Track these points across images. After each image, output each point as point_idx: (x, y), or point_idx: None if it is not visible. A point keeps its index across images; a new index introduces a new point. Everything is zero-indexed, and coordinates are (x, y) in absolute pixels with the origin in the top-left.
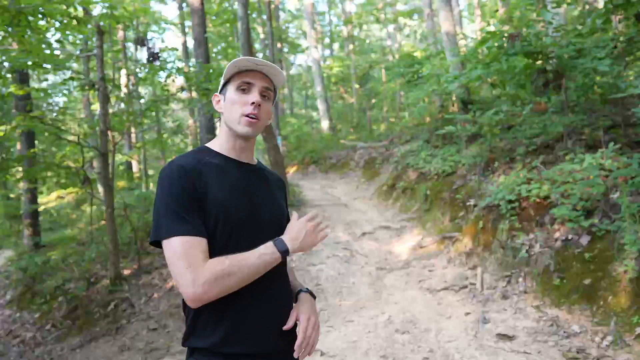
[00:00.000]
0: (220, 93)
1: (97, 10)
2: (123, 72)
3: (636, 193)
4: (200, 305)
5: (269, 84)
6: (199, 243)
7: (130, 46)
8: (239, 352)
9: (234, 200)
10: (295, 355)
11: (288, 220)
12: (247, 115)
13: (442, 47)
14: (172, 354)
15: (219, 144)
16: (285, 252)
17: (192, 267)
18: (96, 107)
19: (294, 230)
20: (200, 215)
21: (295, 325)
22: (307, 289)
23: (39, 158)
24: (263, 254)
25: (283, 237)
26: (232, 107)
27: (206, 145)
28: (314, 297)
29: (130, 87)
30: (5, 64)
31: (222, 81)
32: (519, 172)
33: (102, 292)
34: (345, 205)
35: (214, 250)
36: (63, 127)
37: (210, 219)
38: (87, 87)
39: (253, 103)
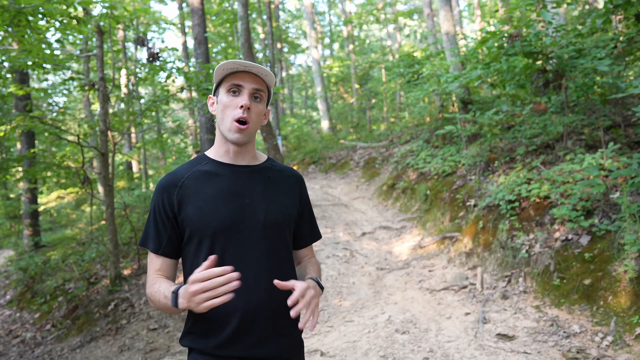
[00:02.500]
0: (214, 95)
1: (97, 10)
2: (123, 72)
3: (636, 193)
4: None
5: (261, 84)
6: (156, 259)
7: (130, 46)
8: (232, 355)
9: (217, 208)
10: (293, 314)
11: (303, 219)
12: (237, 120)
13: (442, 47)
14: (172, 354)
15: (214, 149)
16: (177, 307)
17: (147, 281)
18: (96, 107)
19: (186, 290)
20: (170, 230)
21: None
22: (316, 279)
23: (39, 158)
24: (165, 298)
25: (181, 290)
26: (224, 111)
27: (205, 152)
28: (321, 288)
29: (130, 87)
30: (5, 64)
31: (214, 84)
32: (519, 172)
33: (102, 292)
34: (345, 205)
35: (200, 258)
36: (63, 127)
37: (186, 232)
38: (87, 87)
39: (242, 106)
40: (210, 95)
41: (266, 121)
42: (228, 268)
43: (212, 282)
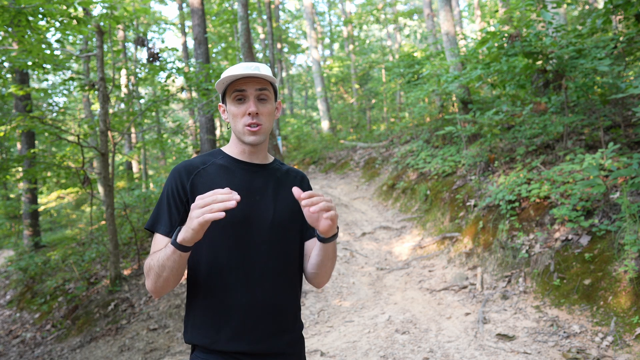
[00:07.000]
0: (223, 103)
1: (97, 10)
2: (123, 72)
3: (636, 193)
4: (158, 296)
5: (263, 83)
6: (163, 242)
7: (130, 46)
8: (237, 351)
9: None
10: (301, 199)
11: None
12: (248, 126)
13: (442, 47)
14: (172, 354)
15: (230, 148)
16: (174, 244)
17: (147, 258)
18: (96, 107)
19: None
20: (183, 214)
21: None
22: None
23: (39, 158)
24: (166, 247)
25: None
26: (235, 120)
27: (221, 148)
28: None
29: (130, 87)
30: (5, 64)
31: (220, 93)
32: (519, 172)
33: (102, 292)
34: (345, 205)
35: (202, 249)
36: (63, 127)
37: None
38: (87, 87)
39: (250, 114)
40: (220, 104)
41: (279, 114)
42: (233, 192)
43: (213, 197)
